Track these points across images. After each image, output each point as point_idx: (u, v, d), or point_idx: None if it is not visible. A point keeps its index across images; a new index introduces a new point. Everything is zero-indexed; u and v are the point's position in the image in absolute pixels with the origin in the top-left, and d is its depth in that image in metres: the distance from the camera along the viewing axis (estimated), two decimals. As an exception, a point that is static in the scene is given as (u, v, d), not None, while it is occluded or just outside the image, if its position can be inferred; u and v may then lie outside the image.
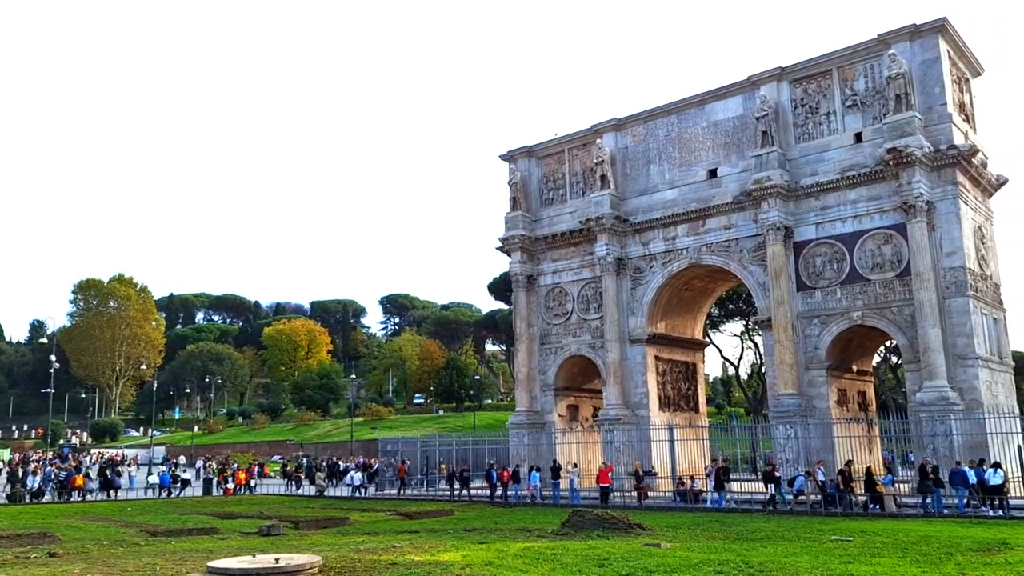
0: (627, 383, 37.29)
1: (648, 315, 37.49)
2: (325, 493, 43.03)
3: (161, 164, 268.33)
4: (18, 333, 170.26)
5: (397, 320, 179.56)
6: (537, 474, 34.10)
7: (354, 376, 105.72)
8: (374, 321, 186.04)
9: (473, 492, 36.64)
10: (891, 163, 30.27)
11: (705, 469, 30.52)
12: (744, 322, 64.17)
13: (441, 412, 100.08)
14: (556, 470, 33.27)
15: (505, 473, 34.98)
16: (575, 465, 33.84)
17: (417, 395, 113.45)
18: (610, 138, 39.19)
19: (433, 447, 44.17)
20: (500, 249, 42.47)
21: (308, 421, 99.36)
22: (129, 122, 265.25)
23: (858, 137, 32.45)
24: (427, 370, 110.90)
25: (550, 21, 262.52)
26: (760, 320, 34.93)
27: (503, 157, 43.62)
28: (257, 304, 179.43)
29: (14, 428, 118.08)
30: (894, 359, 61.81)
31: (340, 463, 51.30)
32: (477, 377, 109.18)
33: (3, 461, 64.63)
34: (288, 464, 54.65)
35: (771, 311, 32.94)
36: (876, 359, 48.03)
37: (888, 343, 44.67)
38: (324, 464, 54.12)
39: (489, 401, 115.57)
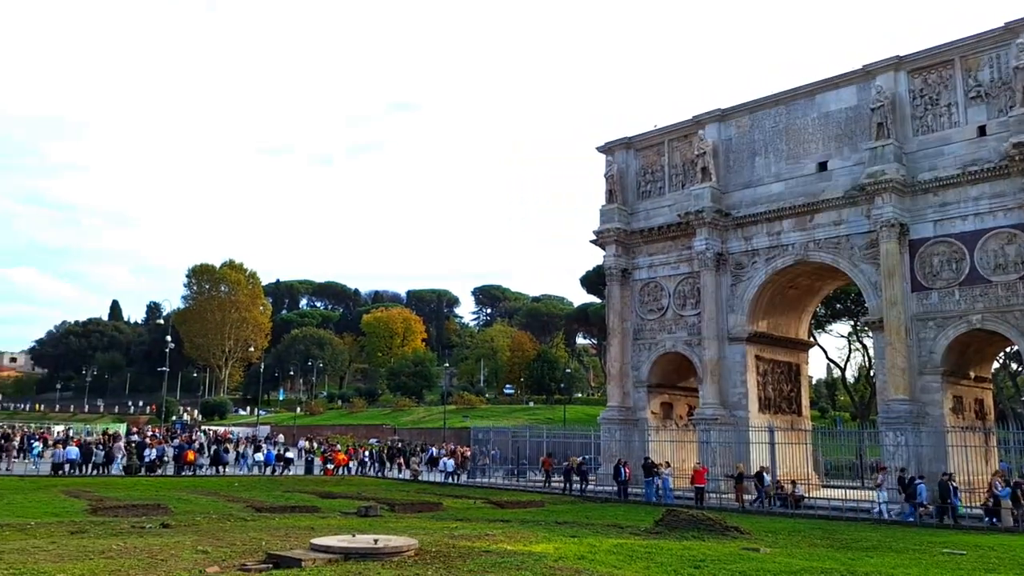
0: (725, 382, 36.35)
1: (749, 313, 36.42)
2: (419, 477, 43.88)
3: (272, 156, 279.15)
4: (136, 314, 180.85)
5: (489, 311, 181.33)
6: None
7: (447, 364, 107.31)
8: (467, 311, 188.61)
9: (555, 484, 36.73)
10: (1017, 158, 28.36)
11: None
12: (852, 323, 61.64)
13: (532, 404, 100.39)
14: (649, 468, 32.79)
15: (582, 468, 34.68)
16: (668, 464, 33.27)
17: (508, 386, 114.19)
18: (712, 129, 38.19)
19: (524, 438, 44.34)
20: (594, 242, 42.10)
21: (403, 407, 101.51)
22: (240, 115, 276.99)
23: (982, 131, 30.50)
24: (518, 361, 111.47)
25: (650, 11, 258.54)
26: (871, 321, 33.43)
27: (600, 149, 43.19)
28: (357, 292, 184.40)
29: (130, 404, 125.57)
30: (1014, 366, 58.18)
31: (433, 449, 52.14)
32: (568, 370, 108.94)
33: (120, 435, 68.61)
34: (370, 448, 55.93)
35: (883, 312, 31.45)
36: (995, 365, 45.24)
37: (1009, 349, 41.95)
38: (418, 449, 55.18)
39: (579, 395, 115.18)
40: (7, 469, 38.08)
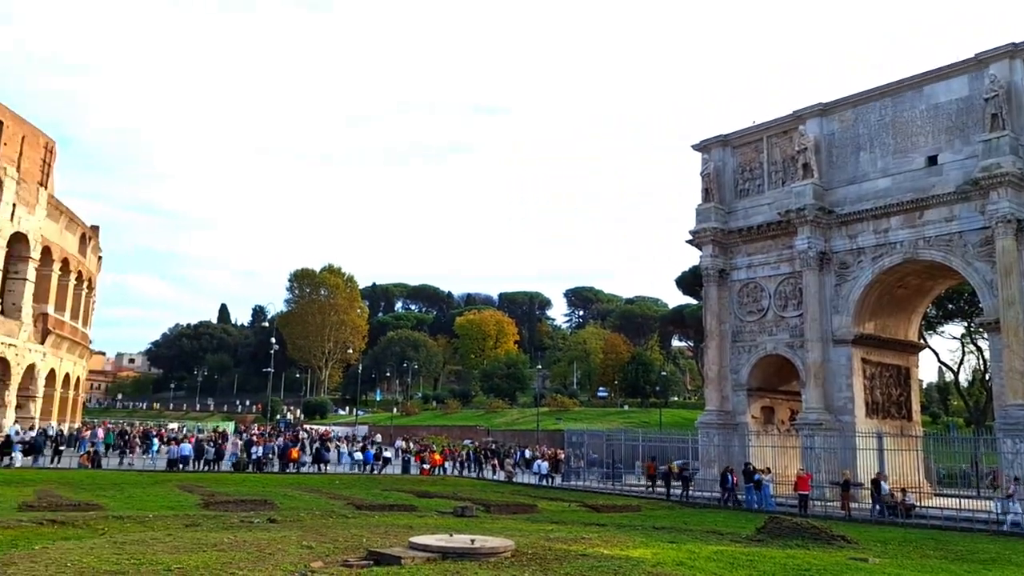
0: (829, 386, 35.04)
1: (854, 314, 35.01)
2: (513, 479, 44.10)
3: (368, 164, 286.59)
4: (243, 316, 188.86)
5: (581, 313, 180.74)
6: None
7: (540, 367, 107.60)
8: (559, 313, 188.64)
9: (659, 489, 36.12)
10: None
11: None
12: (966, 324, 58.50)
13: (626, 407, 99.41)
14: (749, 473, 31.91)
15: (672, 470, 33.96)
16: (769, 470, 32.30)
17: (601, 388, 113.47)
18: (814, 124, 36.93)
19: (619, 441, 43.93)
20: (690, 242, 41.36)
21: (496, 408, 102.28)
22: (332, 122, 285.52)
23: (1108, 116, 28.46)
24: (611, 364, 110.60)
25: (745, 7, 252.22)
26: (986, 322, 31.63)
27: (696, 147, 42.40)
28: (450, 295, 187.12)
29: (238, 403, 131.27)
30: None
31: (527, 451, 52.35)
32: (663, 373, 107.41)
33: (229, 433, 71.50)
34: (465, 449, 56.57)
35: (999, 312, 29.68)
36: None
37: None
38: (512, 450, 55.49)
39: (675, 398, 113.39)
40: (129, 464, 40.35)
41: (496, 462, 49.05)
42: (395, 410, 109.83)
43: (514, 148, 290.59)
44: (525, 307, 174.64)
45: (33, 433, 41.34)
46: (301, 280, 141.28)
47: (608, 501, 31.80)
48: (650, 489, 37.16)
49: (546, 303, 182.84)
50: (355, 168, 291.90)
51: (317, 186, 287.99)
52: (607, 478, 41.97)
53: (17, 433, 39.88)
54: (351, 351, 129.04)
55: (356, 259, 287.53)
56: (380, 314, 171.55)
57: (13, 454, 34.57)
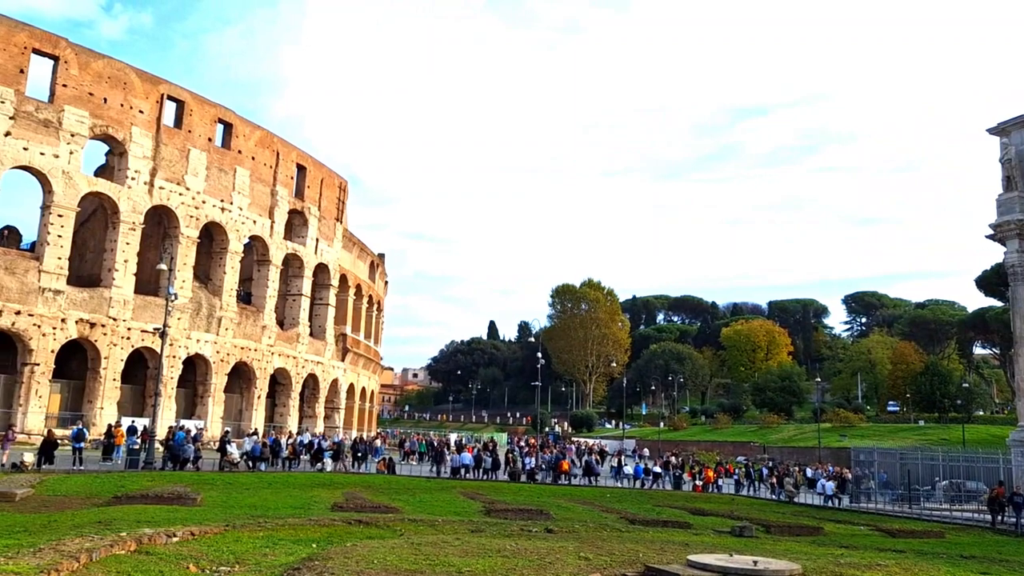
0: None
1: None
2: (794, 499, 41.54)
3: (617, 177, 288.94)
4: (510, 332, 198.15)
5: (863, 320, 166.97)
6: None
7: (818, 379, 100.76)
8: (836, 321, 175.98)
9: (966, 515, 32.04)
10: None
11: None
12: None
13: (921, 422, 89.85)
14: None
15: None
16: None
17: (891, 402, 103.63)
18: None
19: (915, 460, 39.74)
20: (991, 237, 36.63)
21: (771, 423, 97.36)
22: (583, 139, 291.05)
23: None
24: (901, 375, 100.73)
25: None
26: None
27: (992, 131, 37.50)
28: (714, 305, 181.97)
29: (509, 415, 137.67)
30: None
31: (808, 469, 49.12)
32: (965, 384, 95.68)
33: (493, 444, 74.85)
34: (738, 466, 54.11)
35: None
36: None
37: None
38: (792, 469, 52.38)
39: (980, 412, 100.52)
40: (432, 471, 42.90)
41: (774, 480, 46.56)
42: (662, 424, 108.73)
43: (776, 151, 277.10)
44: (798, 315, 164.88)
45: (337, 440, 46.24)
46: (562, 295, 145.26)
47: (904, 525, 28.87)
48: (999, 520, 30.69)
49: (821, 310, 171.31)
50: (609, 181, 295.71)
51: (572, 202, 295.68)
52: (902, 500, 38.14)
53: (323, 439, 44.95)
54: (614, 364, 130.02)
55: (615, 272, 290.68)
56: (642, 327, 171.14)
57: (324, 459, 38.94)
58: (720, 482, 47.32)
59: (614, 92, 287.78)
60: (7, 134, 42.24)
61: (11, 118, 42.38)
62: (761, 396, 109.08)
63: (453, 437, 74.01)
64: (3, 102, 42.09)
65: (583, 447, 66.99)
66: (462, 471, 40.85)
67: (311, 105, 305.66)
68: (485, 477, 41.23)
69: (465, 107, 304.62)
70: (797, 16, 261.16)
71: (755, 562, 13.57)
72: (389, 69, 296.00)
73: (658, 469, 46.91)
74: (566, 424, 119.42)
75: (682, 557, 14.62)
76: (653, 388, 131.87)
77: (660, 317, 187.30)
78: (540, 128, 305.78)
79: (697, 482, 44.73)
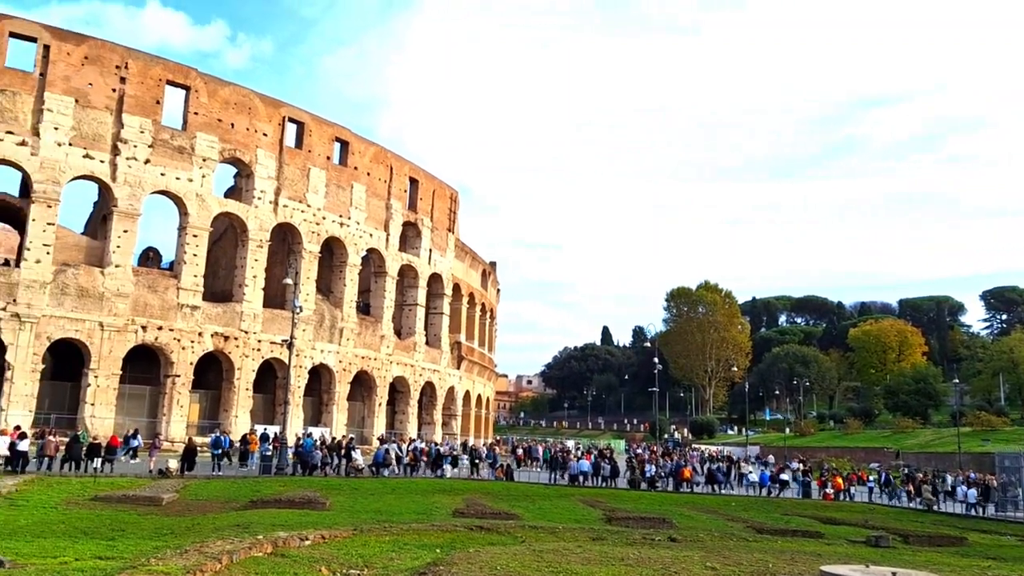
0: None
1: None
2: (933, 508, 39.09)
3: (731, 176, 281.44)
4: (623, 337, 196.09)
5: (1004, 317, 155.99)
6: None
7: (956, 380, 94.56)
8: (974, 319, 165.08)
9: None
10: None
11: None
12: None
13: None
14: None
15: None
16: None
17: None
18: None
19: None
20: None
21: (905, 428, 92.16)
22: (691, 138, 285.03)
23: None
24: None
25: None
26: None
27: None
28: (840, 304, 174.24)
29: (626, 422, 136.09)
30: None
31: (947, 476, 46.09)
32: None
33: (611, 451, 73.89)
34: (871, 473, 51.22)
35: None
36: None
37: None
38: (930, 475, 49.33)
39: None
40: (550, 478, 42.96)
41: (911, 488, 43.97)
42: (787, 430, 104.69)
43: (898, 145, 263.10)
44: (931, 314, 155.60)
45: (454, 446, 46.95)
46: (678, 299, 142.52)
47: (1063, 539, 26.61)
48: None
49: (957, 308, 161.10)
50: (723, 181, 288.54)
51: (685, 203, 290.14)
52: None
53: (442, 446, 45.70)
54: (735, 369, 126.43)
55: (732, 274, 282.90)
56: (763, 329, 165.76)
57: (444, 466, 39.61)
58: (852, 490, 45.08)
59: (726, 92, 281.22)
60: (147, 161, 45.40)
61: (150, 146, 45.55)
62: (894, 399, 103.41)
63: (571, 444, 73.82)
64: (143, 132, 45.31)
65: (705, 454, 65.36)
66: (580, 478, 40.62)
67: (420, 118, 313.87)
68: (604, 484, 40.84)
69: (574, 112, 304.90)
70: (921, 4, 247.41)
71: (894, 574, 12.81)
72: (495, 78, 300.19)
73: (785, 476, 45.19)
74: (686, 430, 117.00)
75: (814, 568, 13.97)
76: (777, 393, 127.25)
77: (782, 319, 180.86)
78: (650, 130, 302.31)
79: (828, 490, 42.74)
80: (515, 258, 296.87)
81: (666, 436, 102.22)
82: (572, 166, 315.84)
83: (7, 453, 29.07)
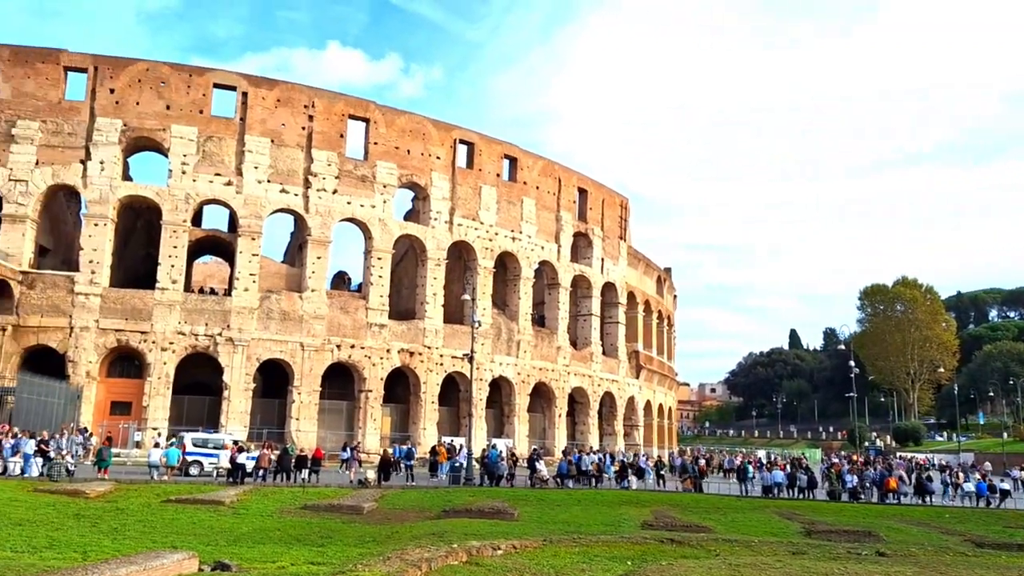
0: None
1: None
2: None
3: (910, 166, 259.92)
4: (813, 341, 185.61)
5: None
6: None
7: None
8: None
9: None
10: None
11: None
12: None
13: None
14: None
15: None
16: None
17: None
18: None
19: None
20: None
21: None
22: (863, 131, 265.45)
23: None
24: None
25: None
26: None
27: None
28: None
29: (820, 430, 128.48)
30: None
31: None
32: None
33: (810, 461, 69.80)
34: None
35: None
36: None
37: None
38: None
39: None
40: (745, 492, 41.19)
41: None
42: (1005, 435, 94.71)
43: None
44: None
45: (637, 457, 46.26)
46: (872, 297, 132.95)
47: None
48: None
49: None
50: (911, 169, 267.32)
51: (873, 197, 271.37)
52: None
53: (623, 457, 45.23)
54: (940, 370, 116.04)
55: (931, 268, 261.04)
56: (971, 326, 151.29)
57: (629, 477, 39.14)
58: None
59: (908, 74, 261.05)
60: (335, 192, 48.69)
61: (336, 177, 48.85)
62: None
63: (761, 454, 70.79)
64: (329, 164, 48.68)
65: (913, 462, 60.46)
66: (774, 490, 38.77)
67: (589, 128, 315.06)
68: (800, 496, 38.73)
69: (742, 111, 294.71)
70: None
71: None
72: (661, 83, 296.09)
73: (1006, 485, 40.80)
74: (888, 438, 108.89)
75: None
76: (991, 394, 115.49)
77: (992, 314, 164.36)
78: (820, 122, 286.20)
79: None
80: (695, 262, 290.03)
81: (866, 444, 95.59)
82: (745, 166, 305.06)
83: (229, 465, 32.03)
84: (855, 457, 62.61)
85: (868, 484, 40.48)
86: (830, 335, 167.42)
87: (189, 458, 33.88)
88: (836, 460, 61.56)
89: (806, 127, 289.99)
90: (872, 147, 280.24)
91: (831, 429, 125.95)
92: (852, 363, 60.54)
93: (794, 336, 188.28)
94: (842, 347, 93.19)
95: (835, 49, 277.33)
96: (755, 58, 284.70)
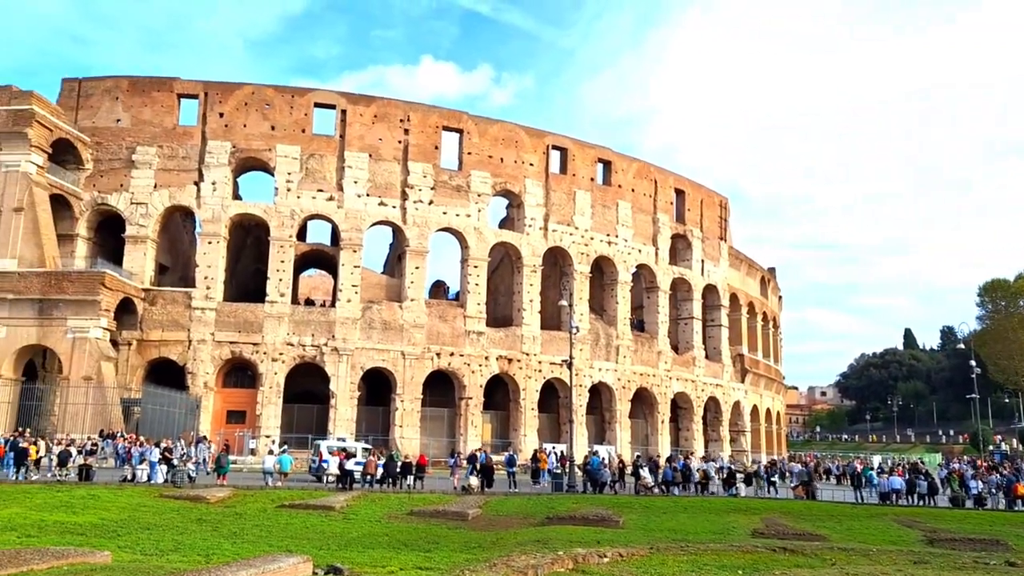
0: None
1: None
2: None
3: None
4: (929, 340, 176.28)
5: None
6: None
7: None
8: None
9: None
10: None
11: None
12: None
13: None
14: None
15: None
16: None
17: None
18: None
19: None
20: None
21: None
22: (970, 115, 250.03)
23: None
24: None
25: None
26: None
27: None
28: None
29: (940, 433, 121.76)
30: None
31: None
32: None
33: (931, 465, 66.33)
34: None
35: None
36: None
37: None
38: None
39: None
40: (861, 499, 39.40)
41: None
42: None
43: None
44: None
45: (746, 463, 44.93)
46: (993, 293, 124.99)
47: None
48: None
49: None
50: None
51: (988, 189, 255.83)
52: None
53: (732, 463, 43.98)
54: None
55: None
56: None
57: (737, 484, 38.07)
58: None
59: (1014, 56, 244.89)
60: (431, 203, 49.62)
61: (432, 188, 49.78)
62: None
63: (876, 459, 67.72)
64: (425, 176, 49.68)
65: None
66: (892, 496, 36.93)
67: (683, 129, 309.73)
68: (920, 503, 36.76)
69: (849, 107, 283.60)
70: None
71: None
72: (760, 78, 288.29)
73: None
74: (1014, 441, 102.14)
75: None
76: None
77: None
78: (922, 115, 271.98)
79: None
80: (800, 262, 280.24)
81: (991, 447, 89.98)
82: (847, 162, 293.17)
83: (338, 472, 32.95)
84: (979, 461, 58.99)
85: (994, 490, 38.08)
86: (947, 334, 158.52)
87: (324, 465, 34.96)
88: (956, 465, 58.17)
89: (916, 118, 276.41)
90: (987, 134, 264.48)
91: (951, 432, 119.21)
92: (973, 363, 57.14)
93: (909, 335, 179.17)
94: (961, 346, 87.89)
95: (940, 37, 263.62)
96: (861, 49, 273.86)
